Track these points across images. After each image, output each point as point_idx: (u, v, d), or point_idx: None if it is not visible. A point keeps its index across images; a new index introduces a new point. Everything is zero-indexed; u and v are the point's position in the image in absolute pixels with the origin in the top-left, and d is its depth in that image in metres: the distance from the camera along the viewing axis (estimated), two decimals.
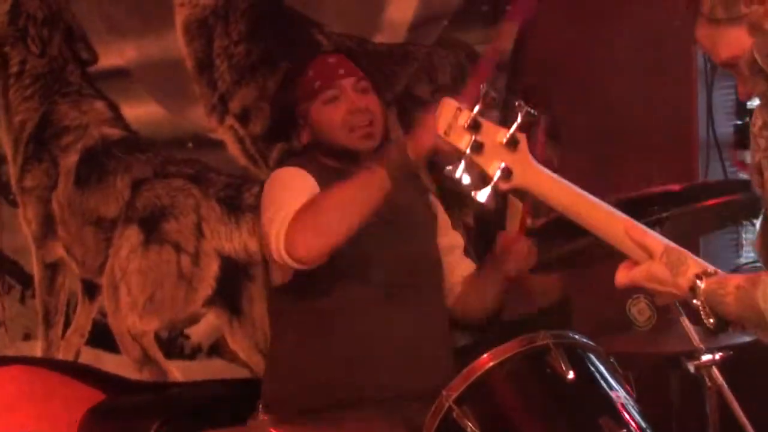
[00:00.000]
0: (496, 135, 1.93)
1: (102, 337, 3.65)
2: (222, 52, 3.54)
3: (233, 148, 3.57)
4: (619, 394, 2.33)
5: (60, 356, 3.73)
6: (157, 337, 3.57)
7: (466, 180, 1.94)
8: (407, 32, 3.39)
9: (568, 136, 3.29)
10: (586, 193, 1.92)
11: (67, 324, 3.72)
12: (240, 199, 3.55)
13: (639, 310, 2.86)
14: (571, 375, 2.26)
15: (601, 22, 3.25)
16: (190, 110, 3.60)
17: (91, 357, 3.67)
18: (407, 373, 2.65)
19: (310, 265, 2.54)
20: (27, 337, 3.80)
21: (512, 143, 1.91)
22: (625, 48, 3.22)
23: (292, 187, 2.67)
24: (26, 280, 3.79)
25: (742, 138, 3.25)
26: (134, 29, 3.64)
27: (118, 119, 3.66)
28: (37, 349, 3.77)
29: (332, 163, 2.76)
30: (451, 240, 2.97)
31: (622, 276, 1.90)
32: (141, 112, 3.65)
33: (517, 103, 1.94)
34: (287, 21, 3.49)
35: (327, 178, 2.69)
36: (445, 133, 1.98)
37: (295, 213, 2.53)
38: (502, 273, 2.78)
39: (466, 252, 3.01)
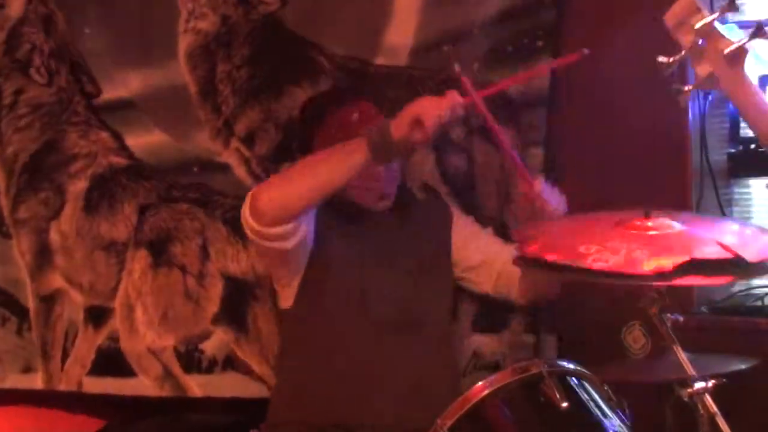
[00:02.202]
0: (719, 42, 2.02)
1: (110, 363, 3.68)
2: (225, 77, 3.58)
3: (239, 170, 3.60)
4: (614, 422, 2.34)
5: (62, 388, 3.75)
6: (176, 352, 3.61)
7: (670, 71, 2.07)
8: (409, 56, 3.41)
9: (564, 163, 3.31)
10: None
11: (65, 356, 3.74)
12: None
13: (634, 338, 2.88)
14: (565, 403, 2.27)
15: (595, 50, 3.26)
16: (194, 135, 3.64)
17: (95, 386, 3.69)
18: (407, 407, 2.66)
19: (270, 224, 2.57)
20: (27, 369, 3.81)
21: (734, 57, 1.98)
22: (617, 75, 3.23)
23: None
24: (22, 313, 3.81)
25: (735, 166, 3.26)
26: (137, 60, 3.68)
27: (122, 149, 3.71)
28: (37, 380, 3.78)
29: (337, 209, 2.79)
30: (473, 230, 3.04)
31: None
32: (145, 141, 3.70)
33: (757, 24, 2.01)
34: (289, 44, 3.52)
35: (334, 216, 2.72)
36: (673, 26, 2.07)
37: (266, 182, 2.57)
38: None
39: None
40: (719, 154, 3.25)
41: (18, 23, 3.79)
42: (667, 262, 2.08)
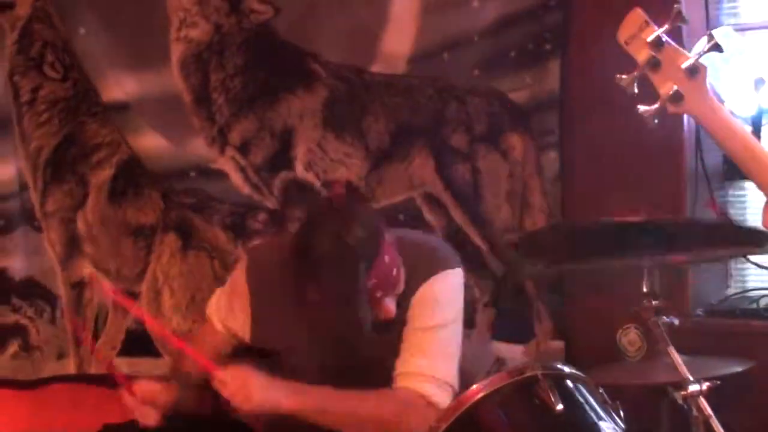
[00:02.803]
0: (678, 58, 1.97)
1: (139, 344, 3.73)
2: (219, 86, 3.59)
3: (235, 177, 3.62)
4: (609, 425, 2.33)
5: (92, 371, 3.82)
6: None
7: (632, 91, 1.99)
8: (407, 64, 3.41)
9: (547, 168, 3.31)
10: (755, 142, 1.95)
11: (95, 339, 3.79)
12: (244, 225, 3.60)
13: (629, 341, 2.88)
14: (560, 406, 2.26)
15: (589, 55, 3.27)
16: (191, 141, 3.66)
17: (125, 366, 3.71)
18: None
19: None
20: (60, 356, 3.90)
21: (693, 71, 1.94)
22: (614, 78, 3.23)
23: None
24: (54, 301, 3.89)
25: (730, 169, 3.27)
26: (133, 65, 3.70)
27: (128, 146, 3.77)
28: (70, 366, 3.87)
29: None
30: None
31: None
32: (142, 143, 3.73)
33: (707, 35, 1.96)
34: (283, 52, 3.53)
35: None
36: (626, 42, 2.00)
37: None
38: None
39: None
40: (714, 156, 3.25)
41: (28, 21, 3.82)
42: None
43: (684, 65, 1.95)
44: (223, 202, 3.63)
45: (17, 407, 3.96)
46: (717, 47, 1.95)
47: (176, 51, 3.61)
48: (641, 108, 1.98)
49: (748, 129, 1.99)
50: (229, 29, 3.55)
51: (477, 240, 3.32)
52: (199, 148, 3.64)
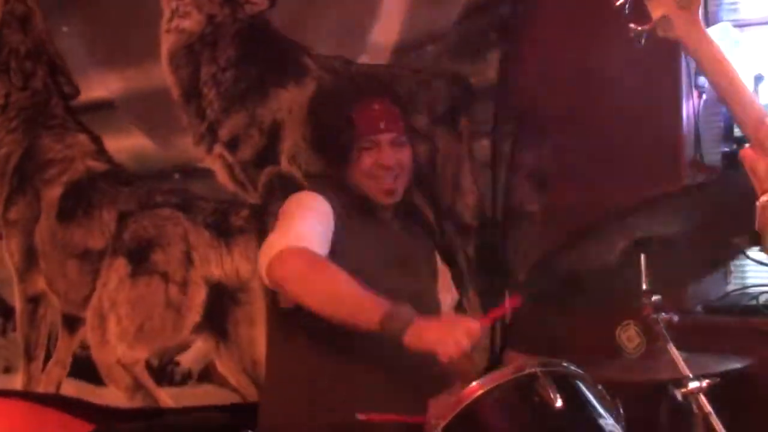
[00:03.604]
0: None
1: (84, 369, 3.64)
2: (209, 80, 3.53)
3: (222, 176, 3.57)
4: (608, 421, 2.33)
5: (40, 389, 3.72)
6: (148, 366, 3.56)
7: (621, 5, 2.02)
8: (391, 54, 3.41)
9: (557, 163, 3.31)
10: (741, 80, 1.97)
11: (47, 357, 3.71)
12: (228, 222, 3.56)
13: (628, 337, 2.88)
14: (559, 403, 2.25)
15: (588, 49, 3.27)
16: (176, 140, 3.59)
17: (73, 389, 3.66)
18: (403, 406, 2.65)
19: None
20: (7, 370, 3.79)
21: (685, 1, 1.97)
22: (612, 74, 3.23)
23: (307, 206, 2.75)
24: (7, 313, 3.79)
25: (729, 165, 3.26)
26: (118, 60, 3.62)
27: (101, 152, 3.66)
28: (17, 382, 3.75)
29: (352, 201, 2.82)
30: (448, 298, 3.03)
31: (746, 152, 1.94)
32: (126, 144, 3.65)
33: None
34: (276, 45, 3.49)
35: (342, 208, 2.77)
36: None
37: (300, 250, 2.56)
38: None
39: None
40: (713, 153, 3.25)
41: None
42: None
43: None
44: (207, 200, 3.57)
45: None
46: None
47: (166, 42, 3.54)
48: (632, 25, 2.01)
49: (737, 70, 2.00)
50: (222, 20, 3.50)
51: (430, 219, 3.34)
52: (184, 147, 3.58)
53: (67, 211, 3.67)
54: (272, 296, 2.89)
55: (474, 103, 3.34)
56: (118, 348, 3.58)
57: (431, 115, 3.36)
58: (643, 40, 2.05)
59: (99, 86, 3.67)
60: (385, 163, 2.81)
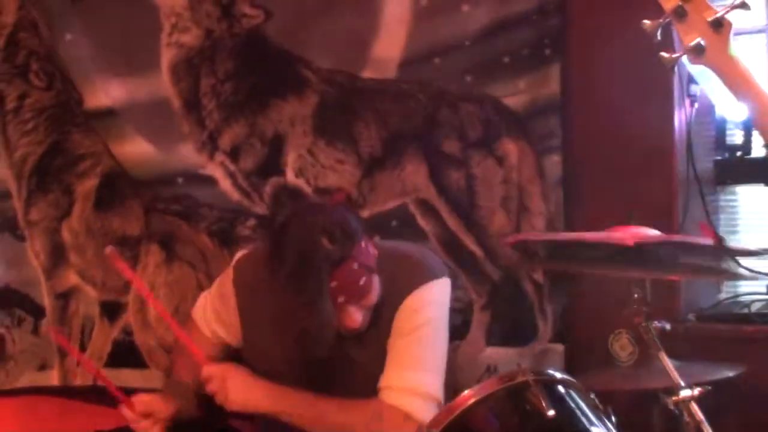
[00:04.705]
0: (704, 10, 1.97)
1: (125, 355, 3.69)
2: (209, 91, 3.56)
3: (225, 184, 3.59)
4: (600, 430, 2.33)
5: (77, 383, 3.77)
6: None
7: (655, 37, 1.98)
8: (397, 69, 3.39)
9: (549, 172, 3.31)
10: (754, 78, 1.97)
11: (82, 350, 3.74)
12: (233, 231, 3.58)
13: (621, 346, 2.88)
14: (551, 412, 2.25)
15: (580, 57, 3.27)
16: (179, 147, 3.62)
17: (112, 378, 3.66)
18: None
19: None
20: (42, 367, 3.84)
21: (717, 24, 1.95)
22: (604, 83, 3.24)
23: None
24: (38, 311, 3.83)
25: (722, 174, 3.27)
26: (121, 70, 3.66)
27: (111, 156, 3.73)
28: (53, 378, 3.81)
29: None
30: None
31: None
32: (129, 150, 3.69)
33: None
34: (274, 58, 3.50)
35: None
36: None
37: None
38: None
39: None
40: (706, 161, 3.26)
41: (13, 29, 3.79)
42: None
43: (710, 18, 1.96)
44: (211, 208, 3.60)
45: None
46: (744, 5, 1.96)
47: (167, 56, 3.59)
48: (662, 54, 1.99)
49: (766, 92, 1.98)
50: (220, 34, 3.53)
51: (471, 246, 3.31)
52: (187, 154, 3.61)
53: (105, 200, 3.72)
54: None
55: (526, 124, 3.27)
56: (159, 330, 3.64)
57: (464, 140, 3.32)
58: (675, 68, 2.03)
59: (102, 94, 3.71)
60: (350, 321, 2.52)
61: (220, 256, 3.58)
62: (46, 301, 3.81)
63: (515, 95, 3.27)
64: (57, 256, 3.79)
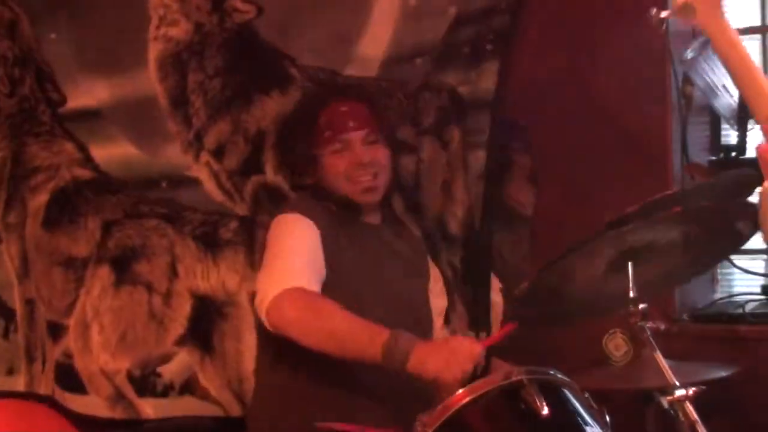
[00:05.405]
0: None
1: (66, 378, 3.59)
2: (197, 87, 3.50)
3: (208, 185, 3.53)
4: (594, 429, 2.33)
5: (42, 391, 3.67)
6: (130, 376, 3.52)
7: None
8: (379, 68, 3.39)
9: (545, 169, 3.32)
10: (758, 69, 1.99)
11: (44, 360, 3.66)
12: (216, 235, 3.51)
13: (615, 345, 2.88)
14: (545, 411, 2.25)
15: (577, 58, 3.28)
16: (164, 149, 3.55)
17: (59, 395, 3.62)
18: (392, 413, 2.65)
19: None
20: (10, 371, 3.73)
21: None
22: (600, 83, 3.24)
23: (294, 234, 2.75)
24: (9, 315, 3.73)
25: (716, 173, 3.27)
26: (106, 68, 3.58)
27: (88, 160, 3.60)
28: (20, 383, 3.71)
29: (335, 209, 2.83)
30: (439, 304, 3.01)
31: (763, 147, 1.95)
32: (112, 152, 3.59)
33: None
34: (262, 55, 3.47)
35: (329, 224, 2.77)
36: None
37: (294, 293, 2.58)
38: None
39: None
40: (701, 158, 3.26)
41: None
42: None
43: None
44: (195, 211, 3.53)
45: None
46: None
47: (154, 50, 3.50)
48: (653, 11, 2.00)
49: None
50: (210, 29, 3.46)
51: (413, 227, 3.31)
52: (172, 155, 3.54)
53: (53, 218, 3.61)
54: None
55: (468, 114, 3.32)
56: (101, 357, 3.53)
57: (418, 126, 3.35)
58: (664, 26, 2.04)
59: (86, 94, 3.61)
60: (359, 160, 2.79)
61: (201, 260, 3.52)
62: (17, 304, 3.72)
63: (465, 85, 3.32)
64: (26, 263, 3.69)
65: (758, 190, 1.98)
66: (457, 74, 3.33)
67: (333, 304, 2.56)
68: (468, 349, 2.45)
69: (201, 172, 3.52)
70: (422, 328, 2.86)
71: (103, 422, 3.54)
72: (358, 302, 2.68)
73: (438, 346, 2.52)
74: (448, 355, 2.43)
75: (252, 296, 2.88)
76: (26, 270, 3.70)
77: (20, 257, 3.70)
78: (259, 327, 2.91)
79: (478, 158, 3.32)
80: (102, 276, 3.54)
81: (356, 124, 2.83)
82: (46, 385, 3.66)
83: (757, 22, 3.28)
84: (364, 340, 2.50)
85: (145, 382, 3.50)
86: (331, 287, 2.73)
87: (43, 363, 3.67)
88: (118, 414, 3.52)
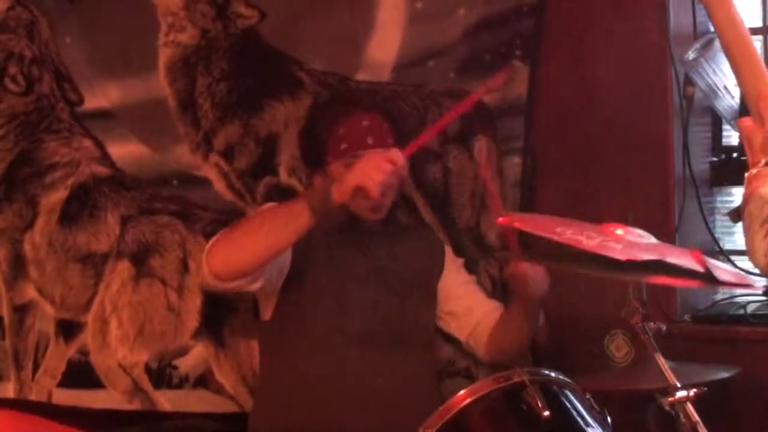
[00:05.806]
0: None
1: (80, 375, 3.62)
2: (204, 91, 3.55)
3: (219, 185, 3.57)
4: (596, 431, 2.34)
5: (33, 398, 3.70)
6: (147, 369, 3.57)
7: None
8: (391, 72, 3.39)
9: (545, 171, 3.32)
10: (752, 48, 1.97)
11: (35, 366, 3.69)
12: None
13: (617, 346, 2.89)
14: (547, 412, 2.26)
15: (578, 59, 3.28)
16: (174, 148, 3.61)
17: (65, 397, 3.65)
18: (385, 417, 2.66)
19: (227, 281, 2.62)
20: None
21: None
22: (602, 83, 3.24)
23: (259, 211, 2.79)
24: None
25: (718, 175, 3.27)
26: (118, 71, 3.64)
27: (105, 157, 3.67)
28: (9, 390, 3.74)
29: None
30: (463, 277, 3.02)
31: (744, 122, 1.94)
32: (125, 151, 3.66)
33: None
34: (268, 58, 3.50)
35: (325, 230, 2.77)
36: None
37: (221, 232, 2.62)
38: (525, 299, 2.78)
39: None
40: (702, 162, 3.26)
41: None
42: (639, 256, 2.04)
43: None
44: (206, 209, 3.58)
45: None
46: None
47: (164, 55, 3.57)
48: None
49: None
50: (215, 34, 3.52)
51: (441, 235, 3.32)
52: (182, 155, 3.59)
53: (71, 214, 3.65)
54: (253, 309, 2.90)
55: (495, 122, 3.29)
56: (119, 351, 3.58)
57: (441, 134, 3.29)
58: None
59: (100, 96, 3.68)
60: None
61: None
62: (5, 311, 3.74)
63: (492, 93, 3.26)
64: (18, 267, 3.72)
65: (746, 175, 1.97)
66: (479, 83, 3.29)
67: (252, 214, 2.64)
68: (383, 154, 2.51)
69: (210, 173, 3.57)
70: (412, 334, 2.86)
71: (117, 417, 3.56)
72: (346, 304, 2.71)
73: (352, 164, 2.57)
74: (363, 164, 2.49)
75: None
76: (16, 275, 3.73)
77: (8, 262, 3.73)
78: (259, 328, 2.92)
79: (513, 165, 3.29)
80: (122, 271, 3.60)
81: (375, 141, 2.79)
82: (38, 392, 3.69)
83: (759, 23, 3.28)
84: (288, 211, 2.55)
85: (161, 374, 3.56)
86: (311, 291, 2.78)
87: (35, 368, 3.67)
88: (135, 406, 3.58)
